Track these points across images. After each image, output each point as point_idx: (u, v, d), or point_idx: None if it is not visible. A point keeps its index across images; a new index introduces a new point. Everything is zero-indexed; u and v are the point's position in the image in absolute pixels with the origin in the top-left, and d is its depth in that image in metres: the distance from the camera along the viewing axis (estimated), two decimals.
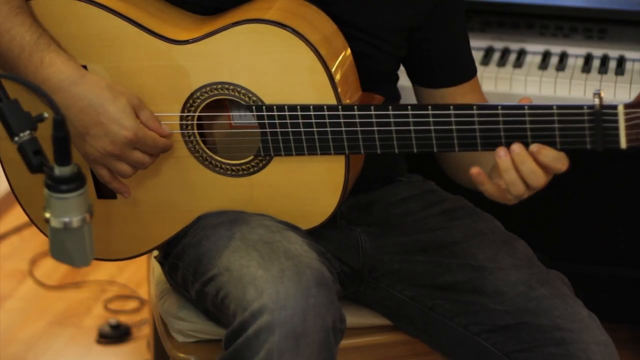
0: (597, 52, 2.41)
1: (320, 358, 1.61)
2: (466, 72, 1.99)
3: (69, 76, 1.72)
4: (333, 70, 1.74)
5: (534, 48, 2.44)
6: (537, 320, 1.78)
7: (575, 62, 2.40)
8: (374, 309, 1.99)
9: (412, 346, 1.98)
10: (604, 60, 2.39)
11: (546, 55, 2.41)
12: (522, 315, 1.80)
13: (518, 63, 2.39)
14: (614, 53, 2.40)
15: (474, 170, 1.69)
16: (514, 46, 2.44)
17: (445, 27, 1.93)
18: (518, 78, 2.35)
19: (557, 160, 1.66)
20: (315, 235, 1.85)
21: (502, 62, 2.39)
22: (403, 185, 2.04)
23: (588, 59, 2.40)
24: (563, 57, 2.41)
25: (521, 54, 2.42)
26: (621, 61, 2.37)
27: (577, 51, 2.42)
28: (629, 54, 2.39)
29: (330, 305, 1.64)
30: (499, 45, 2.45)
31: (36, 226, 1.93)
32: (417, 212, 1.98)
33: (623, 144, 1.62)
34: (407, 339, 1.98)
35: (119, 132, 1.71)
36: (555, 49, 2.43)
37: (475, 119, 1.67)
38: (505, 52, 2.43)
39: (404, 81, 2.03)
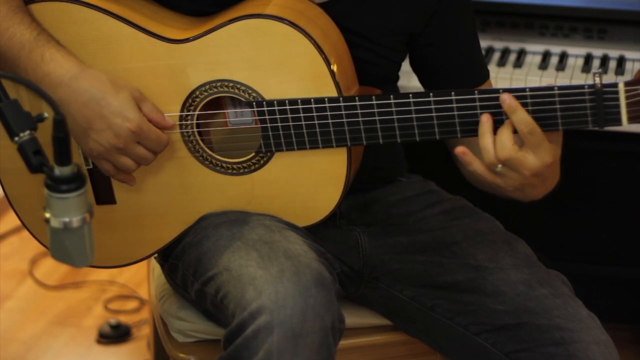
0: (597, 52, 2.41)
1: (319, 358, 1.61)
2: (476, 77, 1.96)
3: (69, 70, 1.72)
4: (333, 62, 1.74)
5: (534, 48, 2.44)
6: (537, 320, 1.78)
7: (575, 62, 2.40)
8: (374, 309, 1.99)
9: (412, 346, 1.98)
10: (604, 60, 2.39)
11: (546, 55, 2.41)
12: (522, 315, 1.80)
13: (518, 63, 2.39)
14: (614, 53, 2.40)
15: (459, 150, 1.69)
16: (514, 46, 2.44)
17: (449, 32, 1.92)
18: (518, 78, 2.35)
19: (527, 124, 1.64)
20: (315, 235, 1.85)
21: (502, 62, 2.39)
22: (403, 185, 2.04)
23: (588, 59, 2.40)
24: (563, 57, 2.41)
25: (521, 54, 2.42)
26: (621, 61, 2.37)
27: (577, 51, 2.42)
28: (629, 54, 2.39)
29: (329, 305, 1.63)
30: (499, 45, 2.45)
31: (32, 234, 1.91)
32: (417, 212, 1.98)
33: (624, 121, 1.64)
34: (407, 339, 1.98)
35: (122, 124, 1.71)
36: (555, 49, 2.43)
37: (477, 103, 1.68)
38: (505, 52, 2.43)
39: (404, 81, 2.03)
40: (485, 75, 1.98)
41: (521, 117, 1.64)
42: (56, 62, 1.72)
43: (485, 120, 1.67)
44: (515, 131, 1.66)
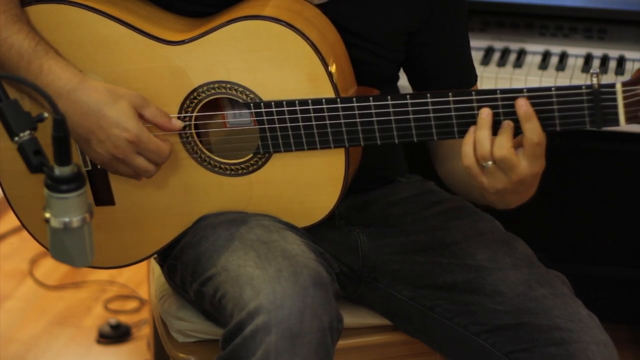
0: (597, 52, 2.41)
1: (317, 358, 1.61)
2: (464, 80, 1.96)
3: (67, 82, 1.72)
4: (330, 63, 1.74)
5: (534, 48, 2.44)
6: (537, 320, 1.78)
7: (575, 62, 2.40)
8: (374, 309, 1.99)
9: (411, 346, 1.98)
10: (604, 60, 2.39)
11: (546, 55, 2.41)
12: (521, 315, 1.80)
13: (518, 63, 2.39)
14: (614, 53, 2.40)
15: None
16: (514, 46, 2.44)
17: (443, 33, 1.92)
18: (518, 78, 2.35)
19: (539, 135, 1.64)
20: (314, 235, 1.85)
21: (502, 62, 2.39)
22: (402, 186, 2.04)
23: (588, 59, 2.40)
24: (563, 57, 2.41)
25: (521, 54, 2.42)
26: (621, 61, 2.37)
27: (577, 51, 2.42)
28: (629, 54, 2.39)
29: (327, 305, 1.63)
30: (499, 45, 2.45)
31: (32, 235, 1.91)
32: (416, 212, 1.98)
33: (622, 121, 1.64)
34: (406, 339, 1.98)
35: (120, 135, 1.71)
36: (555, 49, 2.43)
37: (475, 104, 1.68)
38: (505, 52, 2.43)
39: (404, 81, 2.03)
40: (474, 79, 1.98)
41: (535, 126, 1.63)
42: (55, 74, 1.72)
43: (485, 115, 1.67)
44: (514, 135, 1.65)
